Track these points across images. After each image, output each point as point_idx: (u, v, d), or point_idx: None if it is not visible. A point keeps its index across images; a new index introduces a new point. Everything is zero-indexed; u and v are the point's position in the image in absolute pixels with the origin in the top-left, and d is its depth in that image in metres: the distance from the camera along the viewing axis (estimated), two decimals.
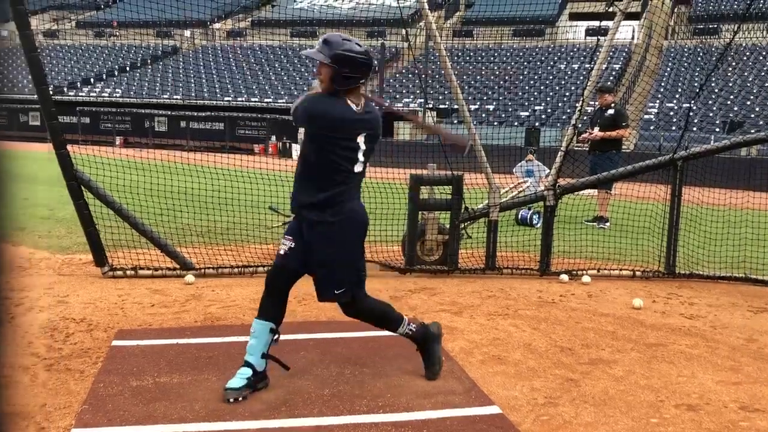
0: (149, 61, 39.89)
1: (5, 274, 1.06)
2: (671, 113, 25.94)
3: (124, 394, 3.46)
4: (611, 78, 27.82)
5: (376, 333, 4.52)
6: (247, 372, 3.51)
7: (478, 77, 32.34)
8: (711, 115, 25.02)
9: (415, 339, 3.83)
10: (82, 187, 5.81)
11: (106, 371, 3.75)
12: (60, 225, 8.48)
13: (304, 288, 5.65)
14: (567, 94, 29.12)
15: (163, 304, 5.11)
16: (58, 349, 4.10)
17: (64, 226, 8.34)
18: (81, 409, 3.28)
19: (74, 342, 4.23)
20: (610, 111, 9.89)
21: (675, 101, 26.84)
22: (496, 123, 26.95)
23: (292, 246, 3.56)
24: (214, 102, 33.75)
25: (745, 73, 28.12)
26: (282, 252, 3.59)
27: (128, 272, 5.96)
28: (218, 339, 4.35)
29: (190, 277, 5.85)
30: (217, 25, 41.77)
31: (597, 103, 10.43)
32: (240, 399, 3.41)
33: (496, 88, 31.01)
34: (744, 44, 28.81)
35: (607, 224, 9.51)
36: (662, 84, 28.66)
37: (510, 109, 29.09)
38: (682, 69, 29.64)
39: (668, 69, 29.99)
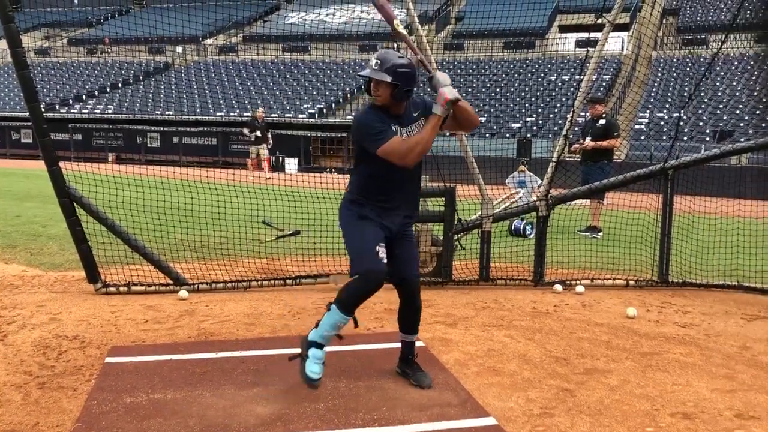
0: (141, 77, 39.91)
1: None
2: (661, 123, 26.11)
3: (118, 411, 3.44)
4: (601, 89, 28.00)
5: (369, 346, 4.52)
6: (323, 356, 3.65)
7: (470, 89, 32.49)
8: (701, 124, 25.20)
9: (409, 352, 4.01)
10: (75, 204, 5.80)
11: (99, 388, 3.73)
12: (52, 242, 8.44)
13: (298, 302, 5.66)
14: (558, 105, 29.28)
15: (157, 320, 5.09)
16: (50, 366, 4.08)
17: (56, 243, 8.30)
18: (74, 427, 3.26)
19: (67, 359, 4.21)
20: (602, 121, 9.97)
21: (665, 111, 27.02)
22: (487, 135, 27.05)
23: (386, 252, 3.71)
24: (207, 117, 33.77)
25: (734, 83, 28.36)
26: (385, 260, 3.66)
27: (121, 288, 5.93)
28: (212, 354, 4.33)
29: (183, 293, 5.83)
30: (208, 41, 41.89)
31: (588, 113, 10.50)
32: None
33: (487, 100, 31.17)
34: (732, 54, 29.08)
35: (600, 234, 9.54)
36: (652, 94, 28.87)
37: (501, 121, 29.22)
38: (672, 79, 29.88)
39: (658, 79, 30.22)
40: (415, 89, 3.71)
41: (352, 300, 3.64)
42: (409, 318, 3.95)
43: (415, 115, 3.75)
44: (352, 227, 3.75)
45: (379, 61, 3.59)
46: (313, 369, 3.60)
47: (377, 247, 3.64)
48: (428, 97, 3.91)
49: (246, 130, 20.73)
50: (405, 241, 3.85)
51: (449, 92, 3.57)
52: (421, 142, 3.57)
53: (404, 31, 3.83)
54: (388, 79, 3.55)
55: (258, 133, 20.32)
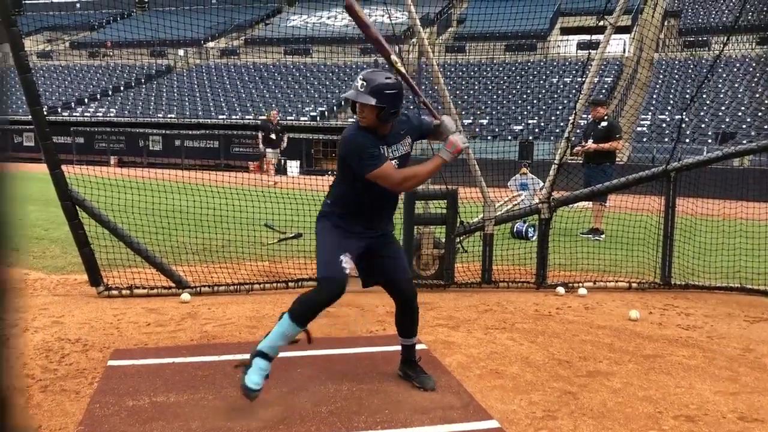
0: (143, 80, 39.98)
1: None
2: (663, 125, 26.09)
3: (121, 414, 3.43)
4: (603, 91, 28.00)
5: (372, 349, 4.52)
6: (268, 367, 3.56)
7: (471, 92, 32.51)
8: (703, 126, 25.18)
9: (410, 354, 3.99)
10: (77, 207, 5.81)
11: (101, 391, 3.73)
12: (55, 245, 8.45)
13: None
14: (560, 107, 29.28)
15: (159, 323, 5.09)
16: (53, 370, 4.08)
17: (58, 246, 8.31)
18: (77, 430, 3.26)
19: (70, 362, 4.21)
20: (603, 123, 9.96)
21: (667, 113, 27.01)
22: (489, 137, 27.06)
23: (353, 264, 3.69)
24: (209, 120, 33.81)
25: (736, 84, 28.34)
26: (348, 270, 3.63)
27: (123, 292, 5.94)
28: (214, 357, 4.33)
29: (185, 296, 5.84)
30: (210, 44, 41.95)
31: (590, 116, 10.50)
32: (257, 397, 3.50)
33: (489, 102, 31.18)
34: (734, 56, 29.07)
35: (602, 236, 9.53)
36: (654, 96, 28.86)
37: (503, 123, 29.22)
38: (674, 81, 29.87)
39: (659, 81, 30.21)
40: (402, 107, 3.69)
41: (304, 309, 3.57)
42: (407, 321, 3.91)
43: (401, 132, 3.69)
44: (322, 236, 3.73)
45: (364, 83, 3.51)
46: (252, 379, 3.50)
47: (341, 256, 3.59)
48: (415, 113, 3.90)
49: (260, 135, 19.83)
50: (387, 245, 3.81)
51: (461, 141, 3.61)
52: (417, 176, 3.61)
53: (403, 69, 3.81)
54: (373, 101, 3.47)
55: (273, 136, 19.44)
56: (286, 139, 19.99)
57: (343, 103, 34.17)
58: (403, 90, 3.64)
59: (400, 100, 3.58)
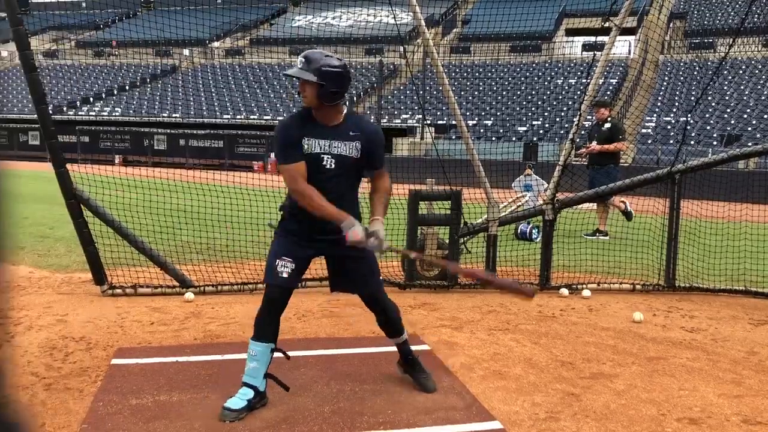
0: (148, 80, 40.09)
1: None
2: (668, 127, 26.04)
3: (124, 413, 3.44)
4: (608, 92, 27.97)
5: (375, 349, 4.52)
6: (249, 393, 3.50)
7: (476, 93, 32.50)
8: (708, 128, 25.12)
9: (405, 352, 3.95)
10: (82, 206, 5.82)
11: (105, 390, 3.74)
12: (59, 244, 8.48)
13: (304, 305, 5.66)
14: (564, 108, 29.26)
15: (163, 322, 5.10)
16: (57, 368, 4.09)
17: (63, 245, 8.33)
18: (80, 429, 3.26)
19: (73, 361, 4.22)
20: (607, 125, 9.95)
21: (672, 115, 26.96)
22: (494, 138, 27.06)
23: (294, 267, 3.55)
24: (213, 120, 33.87)
25: (741, 87, 28.27)
26: (285, 275, 3.53)
27: (127, 290, 5.95)
28: (218, 356, 4.34)
29: (189, 295, 5.85)
30: (215, 44, 42.04)
31: (594, 117, 10.49)
32: (236, 420, 3.38)
33: (494, 103, 31.17)
34: (739, 58, 29.00)
35: (606, 237, 9.52)
36: (659, 98, 28.81)
37: (508, 124, 29.21)
38: (679, 83, 29.81)
39: (665, 83, 30.16)
40: (348, 97, 3.63)
41: (256, 320, 3.56)
42: (386, 324, 3.88)
43: (351, 134, 3.52)
44: (272, 243, 3.67)
45: (304, 60, 3.43)
46: (231, 401, 3.46)
47: (277, 261, 3.52)
48: (372, 127, 3.74)
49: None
50: (349, 258, 3.62)
51: (356, 237, 3.39)
52: (310, 201, 3.41)
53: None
54: (313, 78, 3.37)
55: None
56: None
57: (350, 101, 34.13)
58: (349, 74, 3.52)
59: (342, 80, 3.45)
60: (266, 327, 3.55)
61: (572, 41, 34.17)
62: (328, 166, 3.49)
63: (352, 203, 3.61)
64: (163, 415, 3.42)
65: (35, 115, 5.71)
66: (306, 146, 3.46)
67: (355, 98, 34.55)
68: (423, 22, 6.41)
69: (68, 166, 5.81)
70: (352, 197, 3.63)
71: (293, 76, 3.43)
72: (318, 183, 3.45)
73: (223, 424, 3.34)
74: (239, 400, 3.46)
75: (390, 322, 3.87)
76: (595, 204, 9.69)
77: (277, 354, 3.65)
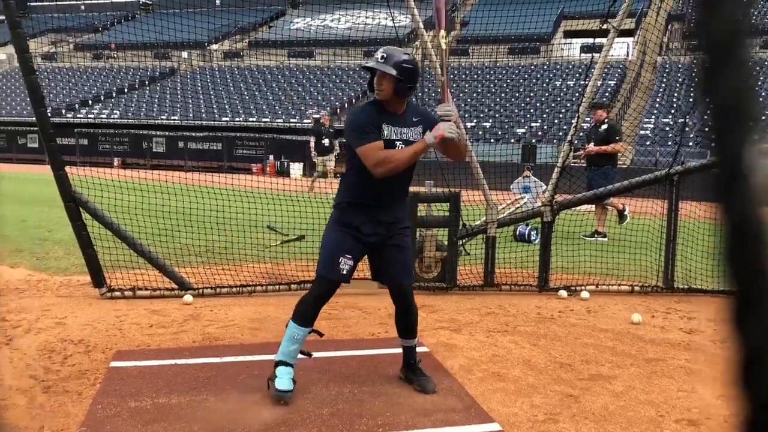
0: (147, 82, 40.07)
1: None
2: (667, 128, 26.07)
3: (122, 416, 3.44)
4: (606, 94, 27.99)
5: (374, 351, 4.52)
6: (291, 371, 3.70)
7: (475, 95, 32.52)
8: (707, 130, 25.14)
9: (411, 356, 4.00)
10: (81, 208, 5.82)
11: (104, 393, 3.74)
12: (58, 246, 8.47)
13: None
14: (563, 110, 29.28)
15: (162, 325, 5.10)
16: (56, 370, 4.09)
17: (62, 248, 8.33)
18: (79, 431, 3.26)
19: (72, 363, 4.22)
20: (604, 126, 9.98)
21: (670, 117, 26.99)
22: (492, 140, 27.07)
23: (353, 264, 3.71)
24: (212, 122, 33.87)
25: None
26: (345, 272, 3.67)
27: (126, 293, 5.95)
28: (217, 359, 4.34)
29: (188, 297, 5.84)
30: (214, 47, 42.05)
31: (591, 119, 10.51)
32: (292, 398, 3.62)
33: (492, 105, 31.19)
34: None
35: (605, 239, 9.53)
36: (657, 100, 28.84)
37: (506, 126, 29.22)
38: (677, 84, 29.85)
39: (663, 85, 30.20)
40: (418, 94, 3.74)
41: (302, 308, 3.72)
42: (405, 323, 3.94)
43: (414, 120, 3.76)
44: (328, 233, 3.78)
45: (384, 55, 3.61)
46: (281, 382, 3.64)
47: (340, 257, 3.65)
48: (428, 112, 3.94)
49: (311, 141, 17.74)
50: (395, 247, 3.79)
51: (447, 130, 3.56)
52: (396, 161, 3.57)
53: (444, 46, 3.95)
54: (394, 72, 3.56)
55: (326, 142, 17.49)
56: (338, 144, 17.68)
57: (349, 103, 34.17)
58: (419, 69, 3.72)
59: (417, 76, 3.67)
60: (312, 314, 3.74)
61: (571, 43, 34.19)
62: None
63: (408, 187, 3.87)
64: (162, 418, 3.42)
65: (34, 118, 5.71)
66: (386, 132, 3.65)
67: (354, 101, 34.57)
68: (421, 25, 6.42)
69: (67, 168, 5.82)
70: (409, 181, 3.87)
71: (376, 68, 3.60)
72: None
73: (222, 426, 3.34)
74: (288, 380, 3.65)
75: (411, 321, 3.95)
76: (593, 205, 9.71)
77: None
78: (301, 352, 3.83)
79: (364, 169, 3.63)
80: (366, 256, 3.87)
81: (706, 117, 0.61)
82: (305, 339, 3.77)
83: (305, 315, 3.72)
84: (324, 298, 3.74)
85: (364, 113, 3.71)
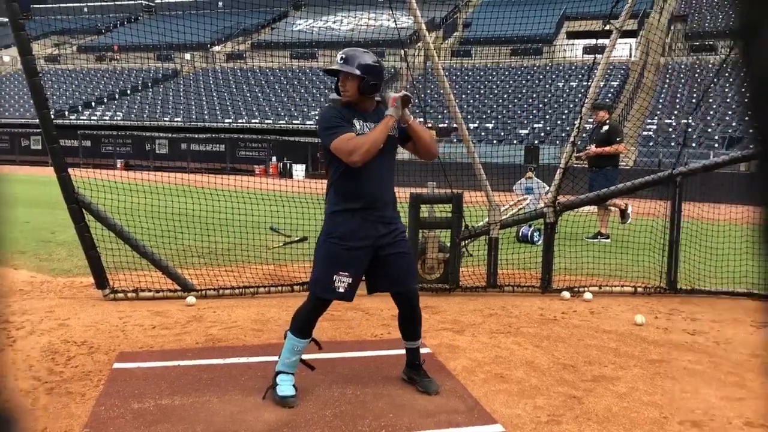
0: (150, 84, 40.15)
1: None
2: (670, 129, 26.03)
3: (126, 417, 3.44)
4: (609, 95, 27.97)
5: (377, 353, 4.52)
6: (292, 378, 3.71)
7: (477, 96, 32.51)
8: (710, 131, 25.11)
9: (415, 357, 4.01)
10: (83, 210, 5.83)
11: (107, 394, 3.74)
12: (61, 248, 8.49)
13: None
14: (565, 111, 29.26)
15: (165, 326, 5.10)
16: (59, 372, 4.09)
17: (65, 249, 8.34)
18: None
19: (75, 365, 4.22)
20: (606, 127, 9.98)
21: (673, 117, 26.95)
22: (495, 141, 27.06)
23: (351, 281, 3.65)
24: (215, 124, 33.91)
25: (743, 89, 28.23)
26: (342, 290, 3.63)
27: (129, 294, 5.95)
28: (219, 360, 4.34)
29: (191, 299, 5.85)
30: (216, 48, 42.11)
31: (593, 120, 10.51)
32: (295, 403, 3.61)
33: (495, 106, 31.17)
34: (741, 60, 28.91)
35: (608, 240, 9.51)
36: (660, 100, 28.80)
37: (509, 128, 29.21)
38: (680, 85, 29.81)
39: (666, 85, 30.16)
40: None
41: (300, 323, 3.72)
42: (409, 327, 3.94)
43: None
44: (320, 247, 3.72)
45: (345, 56, 3.64)
46: (283, 389, 3.65)
47: (334, 275, 3.59)
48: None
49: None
50: (399, 255, 3.74)
51: (394, 92, 3.66)
52: (369, 141, 3.54)
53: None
54: (357, 72, 3.58)
55: None
56: None
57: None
58: (383, 67, 3.75)
59: (381, 72, 3.69)
60: (309, 327, 3.74)
61: (573, 44, 34.17)
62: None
63: (392, 179, 3.84)
64: (165, 419, 3.42)
65: (37, 120, 5.73)
66: (358, 126, 3.64)
67: None
68: (424, 26, 6.42)
69: (70, 170, 5.82)
70: (393, 174, 3.85)
71: (338, 70, 3.63)
72: (369, 163, 3.59)
73: (225, 427, 3.34)
74: (289, 386, 3.66)
75: (416, 324, 3.94)
76: (596, 207, 9.69)
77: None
78: (303, 363, 3.84)
79: (346, 170, 3.60)
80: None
81: (744, 90, 0.60)
82: (305, 349, 3.78)
83: (301, 327, 3.72)
84: (318, 313, 3.72)
85: (333, 110, 3.71)
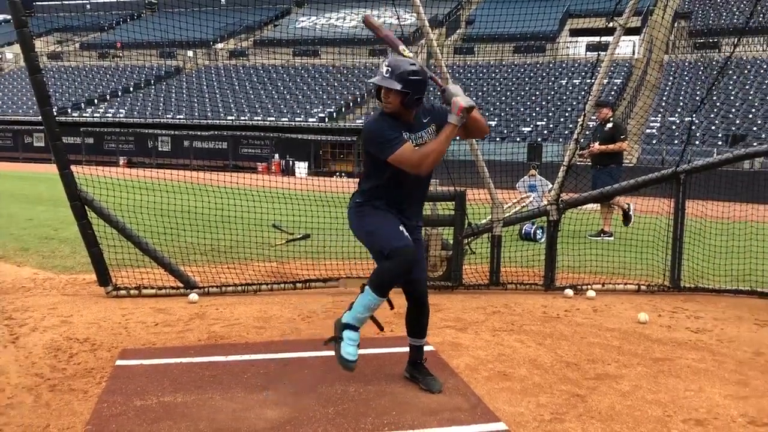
0: (152, 81, 40.18)
1: None
2: (673, 127, 25.98)
3: (128, 414, 3.44)
4: (612, 93, 27.92)
5: (380, 350, 4.51)
6: (357, 337, 3.62)
7: (480, 93, 32.46)
8: (713, 128, 25.05)
9: (418, 356, 4.00)
10: (86, 207, 5.83)
11: (109, 391, 3.74)
12: (64, 245, 8.49)
13: (308, 306, 5.66)
14: (569, 109, 29.22)
15: (167, 323, 5.10)
16: (61, 369, 4.09)
17: (68, 246, 8.35)
18: (85, 430, 3.27)
19: (78, 362, 4.22)
20: (609, 125, 9.95)
21: (677, 115, 26.89)
22: (498, 139, 27.03)
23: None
24: (217, 121, 33.92)
25: (746, 86, 28.17)
26: (408, 239, 3.62)
27: (132, 291, 5.96)
28: (222, 358, 4.34)
29: (193, 296, 5.85)
30: (219, 45, 42.11)
31: (596, 117, 10.48)
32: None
33: (497, 104, 31.13)
34: (744, 57, 28.91)
35: (611, 238, 9.50)
36: (664, 98, 28.74)
37: (512, 125, 29.17)
38: (684, 83, 29.74)
39: (669, 83, 30.08)
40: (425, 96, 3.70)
41: (385, 279, 3.59)
42: (418, 321, 3.94)
43: (425, 121, 3.72)
44: (369, 218, 3.70)
45: (390, 69, 3.55)
46: (348, 351, 3.58)
47: (401, 227, 3.63)
48: (438, 103, 3.91)
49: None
50: (418, 245, 3.82)
51: (464, 101, 3.55)
52: (435, 150, 3.55)
53: (410, 55, 3.79)
54: (399, 87, 3.51)
55: None
56: None
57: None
58: (427, 77, 3.65)
59: (424, 86, 3.60)
60: (390, 286, 3.62)
61: (576, 41, 34.10)
62: None
63: (426, 193, 3.90)
64: (168, 416, 3.42)
65: (40, 117, 5.73)
66: (405, 138, 3.61)
67: (358, 99, 34.55)
68: (427, 23, 6.41)
69: (73, 167, 5.83)
70: (428, 187, 3.90)
71: (381, 85, 3.56)
72: (409, 176, 3.59)
73: (228, 425, 3.34)
74: (354, 348, 3.59)
75: (423, 320, 3.94)
76: (599, 204, 9.68)
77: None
78: (374, 321, 3.75)
79: (383, 176, 3.63)
80: None
81: None
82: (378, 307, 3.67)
83: (387, 285, 3.59)
84: (406, 271, 3.58)
85: (383, 122, 3.63)
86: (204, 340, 4.73)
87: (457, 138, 3.77)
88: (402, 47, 3.83)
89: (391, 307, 3.82)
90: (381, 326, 3.86)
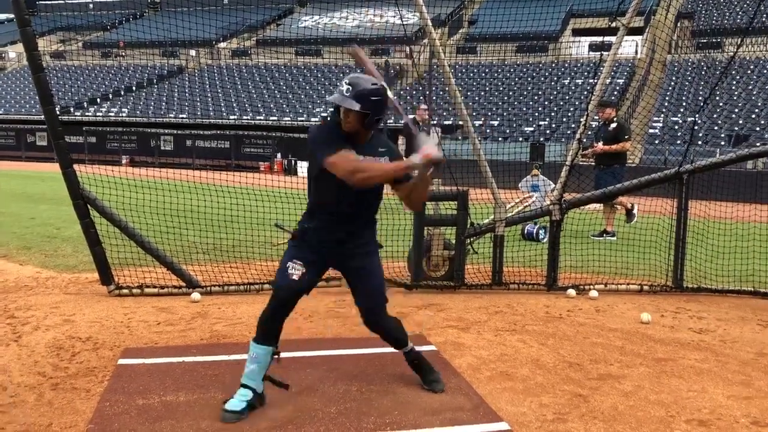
0: (155, 80, 40.18)
1: None
2: (676, 127, 25.93)
3: (131, 413, 3.45)
4: (615, 92, 27.88)
5: (382, 350, 4.50)
6: (248, 394, 3.49)
7: (483, 93, 32.44)
8: (716, 128, 24.99)
9: (411, 359, 3.92)
10: (89, 206, 5.84)
11: (112, 390, 3.74)
12: (66, 244, 8.50)
13: (310, 305, 5.66)
14: (571, 109, 29.16)
15: (169, 322, 5.11)
16: (64, 368, 4.10)
17: (70, 245, 8.36)
18: (87, 429, 3.27)
19: (80, 361, 4.23)
20: (612, 125, 9.94)
21: (680, 115, 26.83)
22: (500, 138, 27.00)
23: (304, 271, 3.55)
24: (220, 121, 33.92)
25: (749, 86, 28.11)
26: (296, 277, 3.53)
27: (134, 290, 5.96)
28: (224, 357, 4.34)
29: (196, 295, 5.85)
30: (222, 45, 42.11)
31: (598, 117, 10.47)
32: (238, 422, 3.37)
33: (500, 104, 31.11)
34: (747, 57, 28.85)
35: (614, 238, 9.49)
36: (666, 98, 28.68)
37: (514, 125, 29.14)
38: (686, 83, 29.68)
39: (672, 83, 30.02)
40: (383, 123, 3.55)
41: (261, 324, 3.54)
42: (388, 341, 3.88)
43: (381, 150, 3.56)
44: (285, 255, 3.64)
45: (350, 87, 3.40)
46: (231, 403, 3.44)
47: (289, 263, 3.53)
48: (394, 146, 3.77)
49: (400, 142, 16.72)
50: (361, 271, 3.68)
51: (435, 151, 3.28)
52: (376, 173, 3.39)
53: (386, 87, 3.58)
54: (357, 107, 3.36)
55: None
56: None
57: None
58: (386, 99, 3.49)
59: (383, 107, 3.47)
60: (270, 330, 3.55)
61: (579, 41, 34.02)
62: None
63: (374, 214, 3.72)
64: (170, 415, 3.43)
65: (42, 116, 5.73)
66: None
67: None
68: (429, 23, 6.40)
69: (75, 166, 5.84)
70: (375, 209, 3.70)
71: (338, 104, 3.42)
72: (351, 195, 3.44)
73: (230, 425, 3.34)
74: (239, 402, 3.45)
75: (393, 337, 3.87)
76: (602, 205, 9.67)
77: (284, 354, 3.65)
78: (273, 381, 3.59)
79: (322, 187, 3.50)
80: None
81: None
82: (269, 361, 3.54)
83: (263, 330, 3.52)
84: (279, 308, 3.52)
85: (329, 129, 3.53)
86: (206, 339, 4.73)
87: (391, 191, 3.58)
88: (375, 79, 3.57)
89: (277, 360, 3.59)
90: (283, 384, 3.64)
